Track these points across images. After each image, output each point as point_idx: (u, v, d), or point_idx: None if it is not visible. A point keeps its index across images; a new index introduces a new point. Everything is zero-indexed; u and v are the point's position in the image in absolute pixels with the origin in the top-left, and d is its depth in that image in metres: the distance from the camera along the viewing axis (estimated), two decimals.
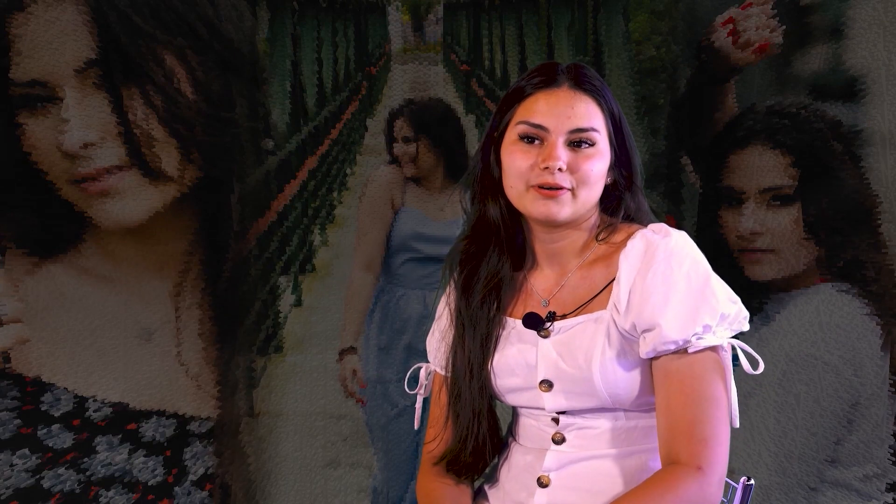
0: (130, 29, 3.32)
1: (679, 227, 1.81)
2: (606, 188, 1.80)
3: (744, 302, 1.75)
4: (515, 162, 1.76)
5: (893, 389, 3.36)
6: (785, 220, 3.42)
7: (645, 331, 1.70)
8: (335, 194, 3.94)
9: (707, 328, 1.68)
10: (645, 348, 1.70)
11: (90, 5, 3.32)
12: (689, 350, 1.68)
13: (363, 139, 3.94)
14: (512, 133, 1.78)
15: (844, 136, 3.38)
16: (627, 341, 1.73)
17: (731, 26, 3.48)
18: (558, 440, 1.79)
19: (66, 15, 3.31)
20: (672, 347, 1.67)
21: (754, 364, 1.71)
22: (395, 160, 3.71)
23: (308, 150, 3.84)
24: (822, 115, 3.39)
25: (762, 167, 3.43)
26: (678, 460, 1.66)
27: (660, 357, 1.69)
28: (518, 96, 1.80)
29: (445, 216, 3.65)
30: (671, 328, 1.67)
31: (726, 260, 3.44)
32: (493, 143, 1.82)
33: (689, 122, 3.60)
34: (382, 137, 3.77)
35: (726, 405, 1.68)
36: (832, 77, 3.39)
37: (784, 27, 3.43)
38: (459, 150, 3.66)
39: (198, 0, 3.42)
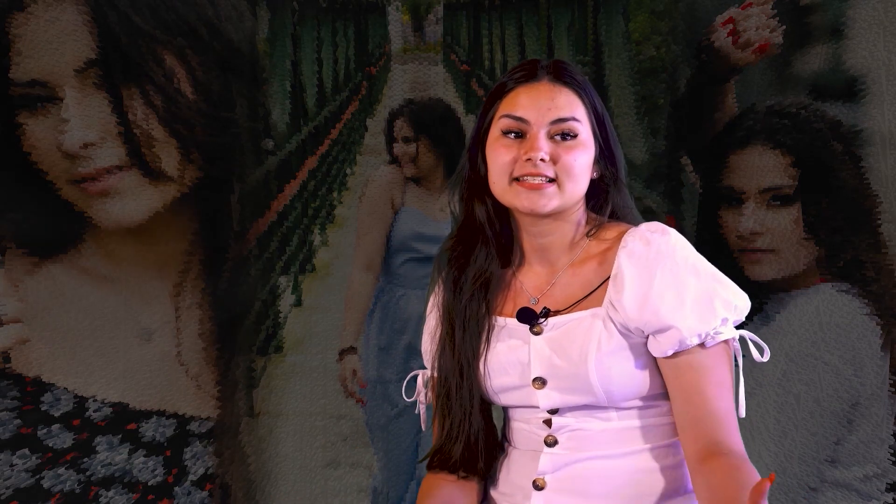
0: (130, 29, 3.33)
1: (679, 227, 1.82)
2: (593, 183, 1.81)
3: None
4: (499, 157, 1.77)
5: (893, 389, 3.36)
6: (785, 220, 3.42)
7: (657, 332, 1.71)
8: (335, 194, 3.94)
9: (724, 321, 1.70)
10: (662, 347, 1.71)
11: (90, 5, 3.32)
12: (707, 344, 1.70)
13: (363, 139, 3.94)
14: (495, 129, 1.79)
15: (844, 136, 3.37)
16: (626, 338, 1.73)
17: (731, 26, 3.48)
18: (550, 442, 1.78)
19: (66, 15, 3.31)
20: (695, 342, 1.69)
21: (761, 351, 1.74)
22: (395, 160, 3.71)
23: (308, 150, 3.84)
24: (822, 115, 3.39)
25: (762, 167, 3.43)
26: (725, 449, 1.67)
27: (677, 354, 1.71)
28: (500, 92, 1.81)
29: (445, 216, 3.65)
30: (691, 326, 1.69)
31: (726, 260, 3.43)
32: (479, 142, 1.82)
33: (689, 122, 3.60)
34: (382, 137, 3.77)
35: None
36: (832, 77, 3.39)
37: (784, 27, 3.43)
38: (459, 150, 3.65)
39: (198, 0, 3.42)
